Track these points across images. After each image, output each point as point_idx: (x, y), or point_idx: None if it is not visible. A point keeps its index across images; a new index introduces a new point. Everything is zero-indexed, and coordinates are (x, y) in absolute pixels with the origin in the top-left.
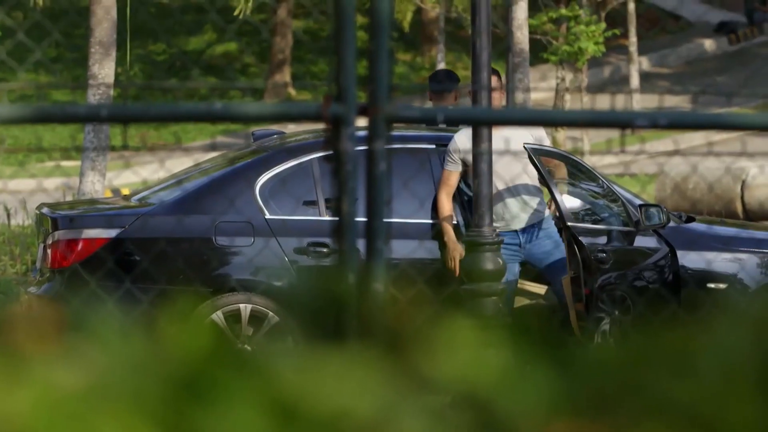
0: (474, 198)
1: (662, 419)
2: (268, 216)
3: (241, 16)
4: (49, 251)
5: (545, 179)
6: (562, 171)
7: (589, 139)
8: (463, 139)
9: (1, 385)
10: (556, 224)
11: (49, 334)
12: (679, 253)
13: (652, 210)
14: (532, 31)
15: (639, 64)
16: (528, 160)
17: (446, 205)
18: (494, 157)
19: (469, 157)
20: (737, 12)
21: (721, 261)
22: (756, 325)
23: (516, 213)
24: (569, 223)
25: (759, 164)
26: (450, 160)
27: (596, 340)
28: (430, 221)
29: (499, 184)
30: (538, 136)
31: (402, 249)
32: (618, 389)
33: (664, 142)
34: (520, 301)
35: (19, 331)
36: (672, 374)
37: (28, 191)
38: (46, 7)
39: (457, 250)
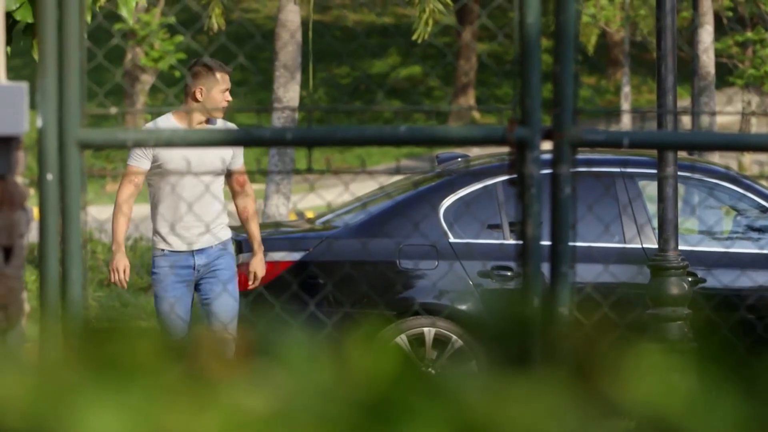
0: (659, 222)
1: None
2: (452, 239)
3: (419, 41)
4: None
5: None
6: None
7: None
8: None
9: (188, 409)
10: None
11: (235, 357)
12: None
13: None
14: (718, 54)
15: None
16: (215, 178)
17: (122, 206)
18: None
19: (164, 154)
20: None
21: None
22: None
23: (196, 234)
24: None
25: None
26: (138, 154)
27: None
28: (616, 245)
29: (180, 202)
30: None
31: (587, 273)
32: None
33: None
34: None
35: (204, 354)
36: None
37: None
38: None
39: (121, 263)
